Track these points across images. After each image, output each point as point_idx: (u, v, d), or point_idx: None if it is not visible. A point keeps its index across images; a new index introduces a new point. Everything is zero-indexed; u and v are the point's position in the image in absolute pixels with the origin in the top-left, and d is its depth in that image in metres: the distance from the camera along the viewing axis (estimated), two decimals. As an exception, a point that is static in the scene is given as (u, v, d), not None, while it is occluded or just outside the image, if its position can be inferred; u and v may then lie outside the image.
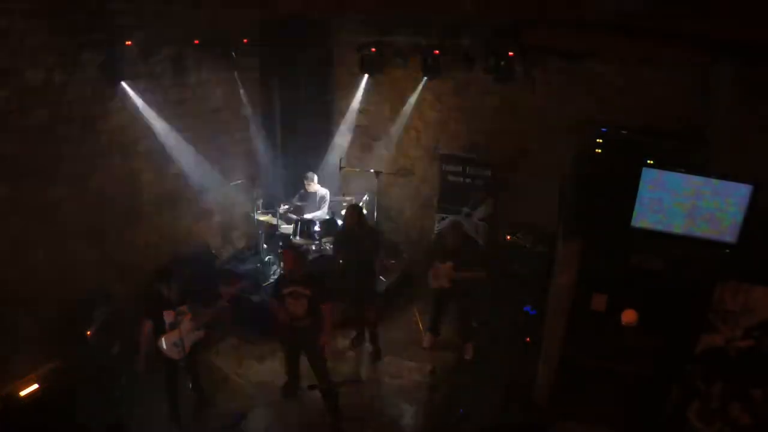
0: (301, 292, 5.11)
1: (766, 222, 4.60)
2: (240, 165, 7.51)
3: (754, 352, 4.68)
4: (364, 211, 7.48)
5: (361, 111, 8.16)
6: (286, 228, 7.14)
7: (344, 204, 7.65)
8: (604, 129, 5.79)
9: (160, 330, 4.86)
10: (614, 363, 5.16)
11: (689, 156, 5.33)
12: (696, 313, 4.81)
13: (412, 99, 7.76)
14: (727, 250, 4.64)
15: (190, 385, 4.73)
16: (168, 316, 4.85)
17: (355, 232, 5.99)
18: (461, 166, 7.59)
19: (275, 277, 6.95)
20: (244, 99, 7.39)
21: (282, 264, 5.23)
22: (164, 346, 4.91)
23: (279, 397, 5.68)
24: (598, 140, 5.69)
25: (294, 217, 7.22)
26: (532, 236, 7.18)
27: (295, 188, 7.64)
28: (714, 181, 4.52)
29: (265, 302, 6.64)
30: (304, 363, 5.52)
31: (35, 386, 4.27)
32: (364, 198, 7.66)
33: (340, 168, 8.07)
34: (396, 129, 8.10)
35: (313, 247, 6.93)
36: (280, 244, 7.17)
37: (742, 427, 3.99)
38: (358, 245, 6.00)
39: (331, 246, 6.83)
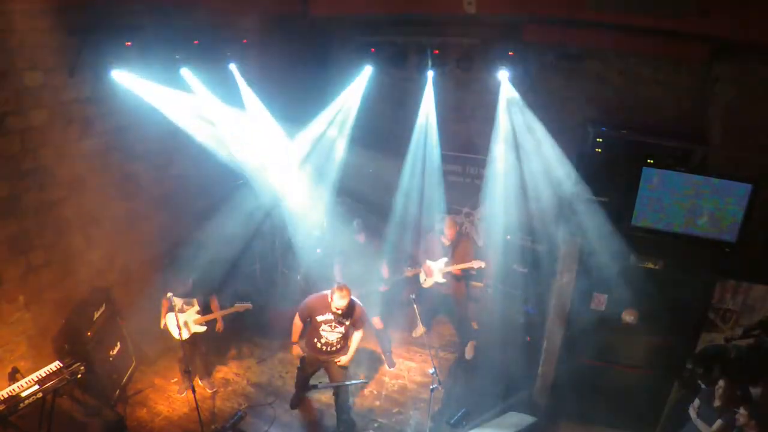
0: (340, 321, 4.90)
1: (765, 221, 4.61)
2: (240, 165, 7.49)
3: (754, 350, 4.69)
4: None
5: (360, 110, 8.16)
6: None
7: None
8: (604, 129, 5.79)
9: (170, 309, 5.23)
10: (614, 363, 5.16)
11: (689, 155, 5.33)
12: (696, 312, 4.81)
13: (413, 99, 7.76)
14: (727, 249, 4.64)
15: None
16: (178, 302, 5.25)
17: (362, 244, 5.98)
18: (461, 166, 7.59)
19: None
20: (244, 99, 7.38)
21: (331, 297, 4.77)
22: (168, 324, 5.37)
23: (286, 406, 5.67)
24: (598, 140, 5.69)
25: None
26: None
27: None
28: (714, 181, 4.53)
29: (263, 304, 6.67)
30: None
31: (36, 387, 4.25)
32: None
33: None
34: (396, 129, 8.09)
35: (318, 250, 6.94)
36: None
37: (743, 425, 3.99)
38: (363, 255, 6.01)
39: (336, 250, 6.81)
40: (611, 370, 5.17)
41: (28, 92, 4.76)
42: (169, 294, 5.08)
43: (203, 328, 5.52)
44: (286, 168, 7.60)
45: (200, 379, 5.81)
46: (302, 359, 5.28)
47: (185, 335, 5.25)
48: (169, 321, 5.40)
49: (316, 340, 5.00)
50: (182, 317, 5.33)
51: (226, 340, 6.57)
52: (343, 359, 5.07)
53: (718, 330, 4.82)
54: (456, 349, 6.59)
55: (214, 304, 5.66)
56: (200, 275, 5.57)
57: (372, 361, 6.36)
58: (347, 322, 4.92)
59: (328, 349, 5.01)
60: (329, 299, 4.78)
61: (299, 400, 5.67)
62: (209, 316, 5.55)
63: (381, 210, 7.98)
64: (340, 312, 4.77)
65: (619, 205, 4.89)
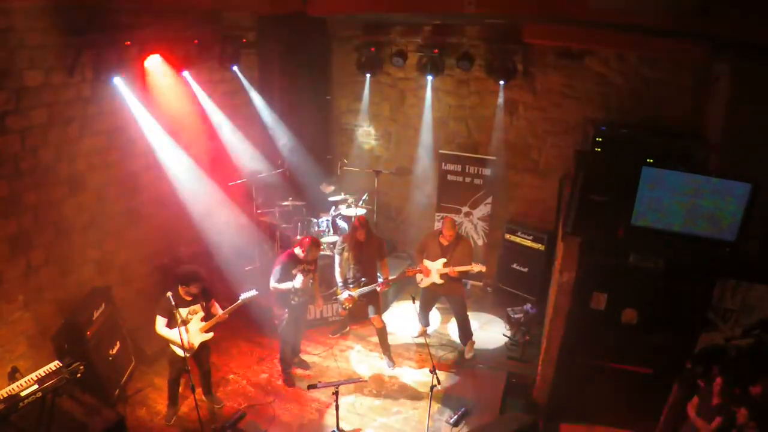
0: (309, 268, 5.69)
1: (765, 220, 4.61)
2: (240, 164, 7.50)
3: (754, 350, 4.69)
4: (365, 209, 7.51)
5: (361, 111, 8.18)
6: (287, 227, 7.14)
7: (347, 204, 7.67)
8: (604, 128, 5.79)
9: (171, 326, 5.02)
10: (614, 362, 5.16)
11: (689, 155, 5.33)
12: (696, 312, 4.81)
13: (412, 98, 7.76)
14: (727, 249, 4.64)
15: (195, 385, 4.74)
16: (179, 315, 4.97)
17: (362, 242, 5.99)
18: (461, 166, 7.60)
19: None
20: (244, 99, 7.39)
21: (305, 250, 5.53)
22: (174, 337, 5.00)
23: (286, 406, 5.67)
24: (598, 139, 5.68)
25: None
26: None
27: (294, 187, 7.64)
28: (714, 180, 4.52)
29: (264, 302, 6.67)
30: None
31: (36, 386, 4.25)
32: (364, 197, 7.66)
33: (340, 167, 8.08)
34: (396, 128, 8.11)
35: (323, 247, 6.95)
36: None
37: (742, 425, 3.99)
38: (364, 253, 6.02)
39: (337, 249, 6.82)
40: (611, 370, 5.17)
41: (28, 91, 4.77)
42: (170, 296, 4.82)
43: (210, 335, 5.19)
44: (284, 167, 7.62)
45: (204, 395, 5.51)
46: (287, 322, 5.78)
47: (194, 347, 5.07)
48: (175, 337, 4.96)
49: (292, 295, 5.63)
50: (187, 330, 5.01)
51: (226, 340, 6.57)
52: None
53: (718, 330, 4.82)
54: (456, 348, 6.59)
55: (215, 307, 5.28)
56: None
57: (372, 361, 6.36)
58: (312, 267, 5.75)
59: (302, 299, 5.77)
60: (300, 255, 5.56)
61: (292, 376, 5.92)
62: (215, 320, 5.16)
63: (380, 209, 8.00)
64: (311, 261, 5.66)
65: (618, 205, 4.88)
